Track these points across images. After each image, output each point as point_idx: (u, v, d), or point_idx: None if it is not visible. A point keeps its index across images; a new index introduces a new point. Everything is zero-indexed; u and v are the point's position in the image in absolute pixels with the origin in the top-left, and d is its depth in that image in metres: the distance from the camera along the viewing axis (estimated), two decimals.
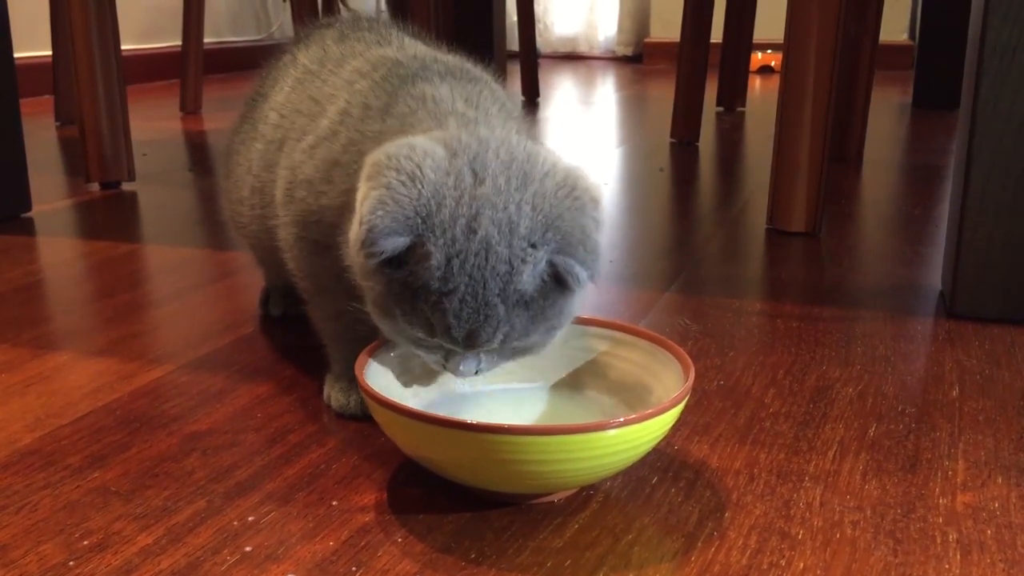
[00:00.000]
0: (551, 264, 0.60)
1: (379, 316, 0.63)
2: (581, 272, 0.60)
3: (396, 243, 0.58)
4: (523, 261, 0.59)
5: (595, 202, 0.63)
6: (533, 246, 0.59)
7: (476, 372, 0.63)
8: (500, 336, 0.60)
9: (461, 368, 0.62)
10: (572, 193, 0.62)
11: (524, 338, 0.62)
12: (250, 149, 0.85)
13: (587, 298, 0.65)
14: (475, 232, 0.59)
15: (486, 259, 0.59)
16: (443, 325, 0.59)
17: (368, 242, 0.58)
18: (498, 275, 0.59)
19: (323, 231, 0.71)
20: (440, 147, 0.61)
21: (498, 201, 0.60)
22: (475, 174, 0.60)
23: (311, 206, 0.71)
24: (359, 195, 0.61)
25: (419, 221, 0.59)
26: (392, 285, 0.60)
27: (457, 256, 0.58)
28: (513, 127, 0.70)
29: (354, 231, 0.61)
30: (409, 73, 0.72)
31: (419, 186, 0.59)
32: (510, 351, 0.63)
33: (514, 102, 0.77)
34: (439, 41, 0.85)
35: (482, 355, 0.62)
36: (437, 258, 0.59)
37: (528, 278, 0.59)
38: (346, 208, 0.67)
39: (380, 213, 0.58)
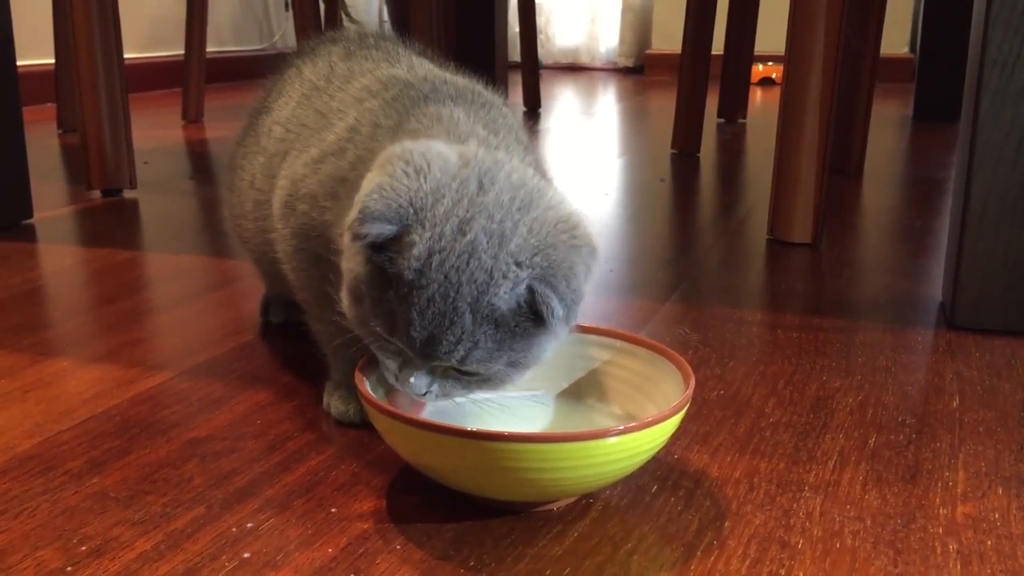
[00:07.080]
0: (530, 291, 0.58)
1: (349, 301, 0.62)
2: (558, 307, 0.58)
3: (382, 229, 0.58)
4: (504, 276, 0.58)
5: (592, 250, 0.60)
6: (518, 265, 0.58)
7: (425, 394, 0.61)
8: (461, 351, 0.58)
9: (411, 380, 0.60)
10: (572, 231, 0.60)
11: (485, 363, 0.59)
12: (253, 163, 0.84)
13: (555, 345, 0.62)
14: (464, 234, 0.58)
15: (467, 263, 0.58)
16: (404, 321, 0.58)
17: (357, 222, 0.58)
18: (475, 282, 0.57)
19: (323, 244, 0.70)
20: (455, 155, 0.62)
21: (496, 213, 0.59)
22: (481, 185, 0.60)
23: (314, 220, 0.71)
24: (365, 180, 0.61)
25: (411, 211, 0.58)
26: (369, 268, 0.60)
27: (439, 253, 0.58)
28: (530, 161, 0.69)
29: (351, 213, 0.60)
30: (421, 94, 0.72)
31: (422, 180, 0.59)
32: (467, 380, 0.61)
33: (521, 125, 0.76)
34: (441, 50, 0.85)
35: (437, 377, 0.61)
36: (419, 249, 0.58)
37: (504, 295, 0.58)
38: None
39: (375, 197, 0.58)
